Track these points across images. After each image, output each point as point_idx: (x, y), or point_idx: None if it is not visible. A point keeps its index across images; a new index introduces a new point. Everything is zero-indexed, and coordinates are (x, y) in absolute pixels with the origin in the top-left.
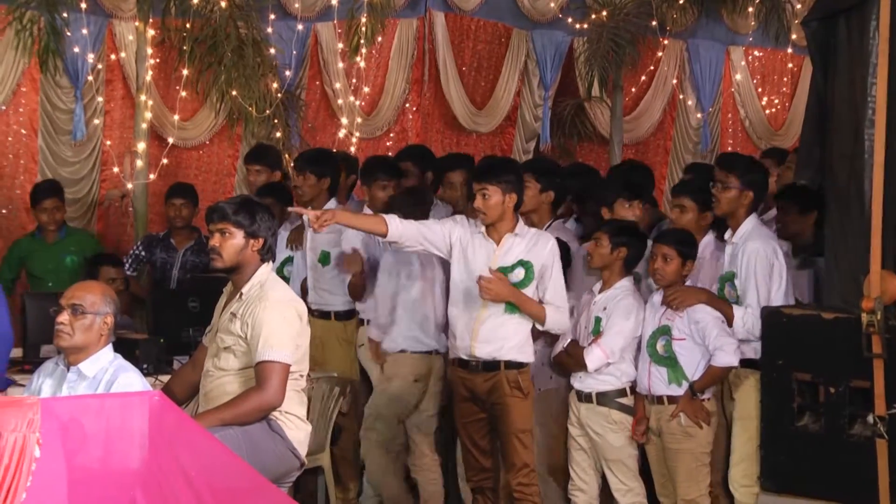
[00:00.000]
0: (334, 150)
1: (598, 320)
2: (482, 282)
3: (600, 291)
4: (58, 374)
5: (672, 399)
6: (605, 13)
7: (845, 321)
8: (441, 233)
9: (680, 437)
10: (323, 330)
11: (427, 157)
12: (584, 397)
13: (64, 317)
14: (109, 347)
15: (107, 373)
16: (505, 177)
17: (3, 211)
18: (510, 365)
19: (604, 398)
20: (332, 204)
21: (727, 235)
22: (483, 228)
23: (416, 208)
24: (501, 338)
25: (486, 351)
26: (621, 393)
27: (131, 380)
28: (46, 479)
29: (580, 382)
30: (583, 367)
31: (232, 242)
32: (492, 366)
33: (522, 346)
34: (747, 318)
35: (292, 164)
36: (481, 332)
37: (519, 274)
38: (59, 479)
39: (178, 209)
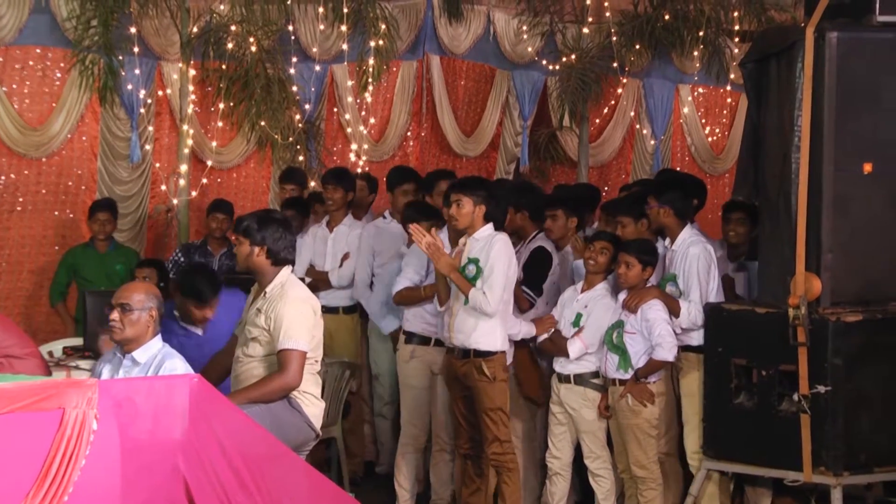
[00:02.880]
0: (359, 171)
1: (579, 315)
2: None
3: (582, 291)
4: (115, 361)
5: (622, 382)
6: (573, 56)
7: (775, 315)
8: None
9: (628, 414)
10: (333, 322)
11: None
12: (564, 378)
13: (115, 315)
14: (158, 337)
15: (155, 359)
16: (477, 191)
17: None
18: (477, 353)
19: (580, 379)
20: (349, 218)
21: (666, 243)
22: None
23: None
24: (469, 329)
25: (459, 340)
26: (594, 375)
27: (175, 364)
28: (102, 447)
29: (561, 366)
30: (565, 353)
31: (240, 249)
32: (465, 353)
33: (487, 336)
34: (691, 311)
35: (321, 180)
36: (455, 324)
37: (471, 270)
38: (114, 447)
39: (220, 222)
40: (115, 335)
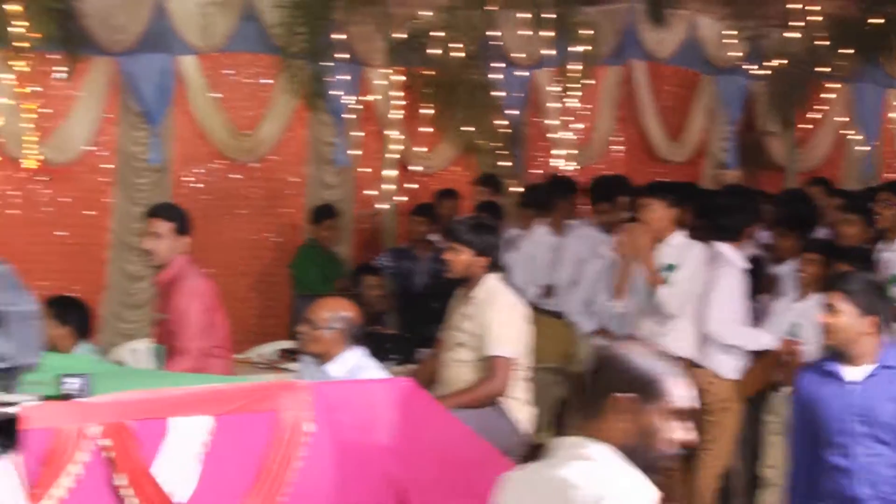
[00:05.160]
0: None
1: (797, 326)
2: None
3: (798, 301)
4: (311, 370)
5: None
6: (782, 61)
7: None
8: None
9: None
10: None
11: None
12: None
13: (304, 327)
14: (354, 350)
15: (349, 373)
16: (668, 194)
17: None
18: None
19: None
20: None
21: (879, 245)
22: None
23: None
24: None
25: None
26: None
27: (371, 376)
28: (316, 450)
29: None
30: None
31: (461, 258)
32: None
33: None
34: None
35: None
36: None
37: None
38: (327, 450)
39: (416, 224)
40: (302, 346)
